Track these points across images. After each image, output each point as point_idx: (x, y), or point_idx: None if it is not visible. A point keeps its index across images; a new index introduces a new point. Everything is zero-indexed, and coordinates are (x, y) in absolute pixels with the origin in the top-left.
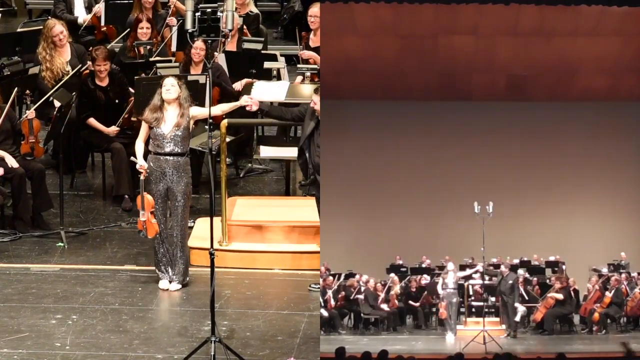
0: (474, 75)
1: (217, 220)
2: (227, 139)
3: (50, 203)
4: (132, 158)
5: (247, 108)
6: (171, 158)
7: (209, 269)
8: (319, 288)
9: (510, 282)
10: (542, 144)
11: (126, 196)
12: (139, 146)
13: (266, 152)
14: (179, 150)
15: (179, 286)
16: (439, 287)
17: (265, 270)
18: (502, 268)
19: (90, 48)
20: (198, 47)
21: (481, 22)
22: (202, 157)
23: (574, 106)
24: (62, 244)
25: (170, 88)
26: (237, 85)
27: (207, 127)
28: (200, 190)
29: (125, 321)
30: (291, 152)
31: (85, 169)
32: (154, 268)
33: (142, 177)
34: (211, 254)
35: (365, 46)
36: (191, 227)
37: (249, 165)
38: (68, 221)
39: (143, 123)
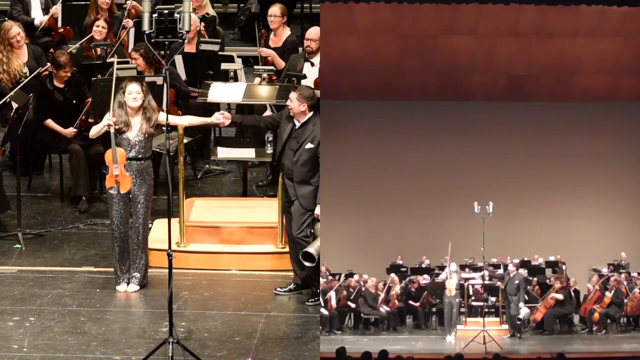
0: (474, 75)
1: (174, 221)
2: (185, 140)
3: (8, 205)
4: (98, 127)
5: (220, 125)
6: (134, 162)
7: (167, 270)
8: (284, 292)
9: (517, 282)
10: (541, 144)
11: (84, 197)
12: (96, 128)
13: (223, 153)
14: (142, 155)
15: (137, 287)
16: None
17: (223, 271)
18: (510, 268)
19: (51, 50)
20: (135, 58)
21: (481, 22)
22: (160, 158)
23: (574, 106)
24: (19, 246)
25: (137, 96)
26: None
27: (164, 128)
28: (158, 191)
29: (83, 323)
30: (248, 153)
31: (43, 171)
32: (111, 269)
33: (112, 130)
34: (169, 255)
35: (365, 46)
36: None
37: (207, 166)
38: (25, 223)
39: (103, 121)
